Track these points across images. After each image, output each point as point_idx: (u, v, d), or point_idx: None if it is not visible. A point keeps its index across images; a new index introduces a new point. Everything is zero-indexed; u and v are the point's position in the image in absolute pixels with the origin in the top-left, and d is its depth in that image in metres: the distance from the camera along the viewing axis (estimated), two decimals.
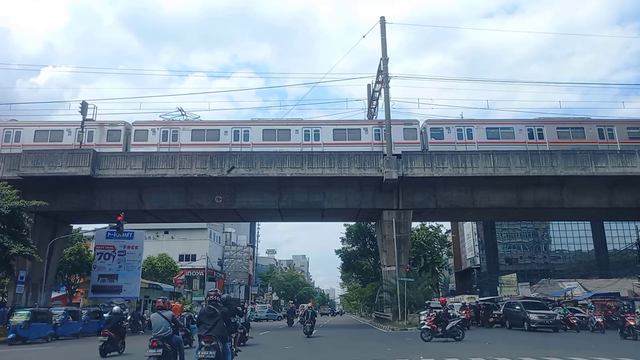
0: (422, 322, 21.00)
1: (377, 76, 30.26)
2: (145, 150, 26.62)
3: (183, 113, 31.01)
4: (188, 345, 13.59)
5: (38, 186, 25.24)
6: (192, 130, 27.83)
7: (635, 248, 37.09)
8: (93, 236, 35.52)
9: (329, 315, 74.79)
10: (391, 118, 27.32)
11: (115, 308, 15.18)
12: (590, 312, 24.14)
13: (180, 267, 50.02)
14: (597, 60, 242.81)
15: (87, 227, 40.62)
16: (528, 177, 25.99)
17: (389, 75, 28.45)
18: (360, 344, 17.57)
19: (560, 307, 26.54)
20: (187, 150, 26.46)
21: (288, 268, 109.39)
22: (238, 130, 27.58)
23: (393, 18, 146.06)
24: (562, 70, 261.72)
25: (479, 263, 63.09)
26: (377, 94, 31.22)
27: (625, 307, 19.94)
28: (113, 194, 27.18)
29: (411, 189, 27.58)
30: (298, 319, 30.85)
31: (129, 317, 20.94)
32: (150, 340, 8.46)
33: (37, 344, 18.53)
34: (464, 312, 26.33)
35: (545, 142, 27.28)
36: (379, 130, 27.54)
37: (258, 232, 77.25)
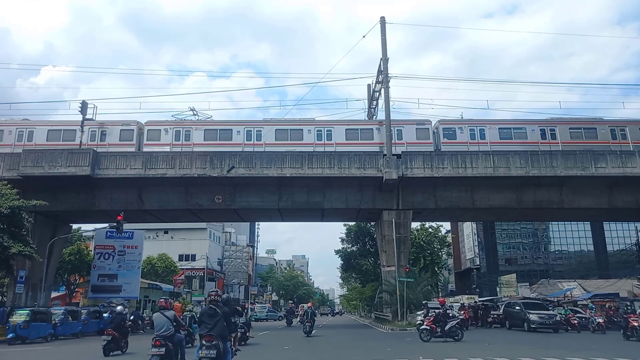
0: (418, 322, 21.07)
1: (377, 76, 30.26)
2: (158, 150, 26.49)
3: (195, 113, 31.03)
4: (190, 345, 13.66)
5: (38, 186, 25.24)
6: (205, 130, 27.69)
7: (635, 248, 37.10)
8: (93, 236, 35.52)
9: (329, 315, 74.88)
10: (402, 118, 27.45)
11: (119, 308, 15.27)
12: (591, 312, 24.18)
13: (180, 267, 50.00)
14: (597, 60, 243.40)
15: (87, 227, 40.75)
16: (528, 178, 26.00)
17: (389, 75, 28.46)
18: (359, 344, 17.57)
19: (562, 308, 26.55)
20: (200, 150, 26.39)
21: (288, 268, 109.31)
22: (251, 130, 27.50)
23: (393, 18, 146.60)
24: (561, 70, 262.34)
25: (478, 263, 63.14)
26: (377, 94, 31.22)
27: (628, 307, 19.96)
28: (113, 194, 27.18)
29: (411, 189, 27.59)
30: (298, 319, 30.91)
31: (131, 317, 20.99)
32: (152, 339, 8.57)
33: (36, 344, 18.56)
34: (462, 312, 26.44)
35: (558, 143, 27.11)
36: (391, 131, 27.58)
37: (258, 232, 77.31)
